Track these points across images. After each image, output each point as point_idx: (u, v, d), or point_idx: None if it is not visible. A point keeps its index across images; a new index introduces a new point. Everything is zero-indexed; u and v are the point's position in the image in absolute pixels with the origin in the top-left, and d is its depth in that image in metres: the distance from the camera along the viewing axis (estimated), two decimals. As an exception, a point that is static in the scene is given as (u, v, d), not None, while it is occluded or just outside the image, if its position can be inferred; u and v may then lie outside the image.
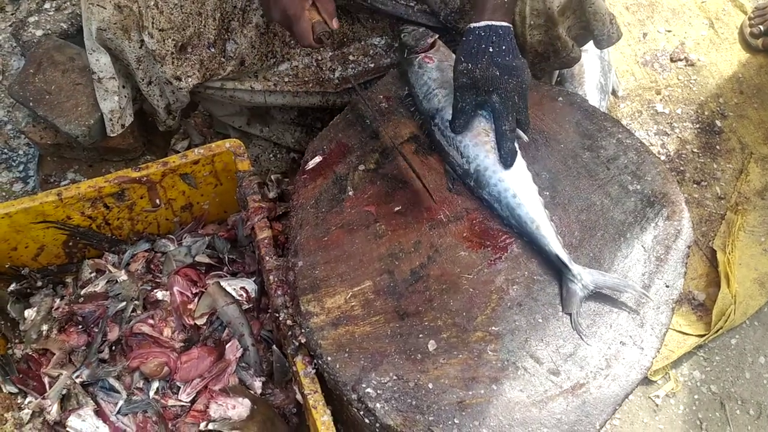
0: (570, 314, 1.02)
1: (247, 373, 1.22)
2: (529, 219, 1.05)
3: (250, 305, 1.27)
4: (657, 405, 1.40)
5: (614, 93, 1.77)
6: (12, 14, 1.89)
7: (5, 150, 1.69)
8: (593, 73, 1.69)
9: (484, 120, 1.10)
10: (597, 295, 1.04)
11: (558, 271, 1.04)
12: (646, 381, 1.43)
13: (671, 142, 1.72)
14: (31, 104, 1.34)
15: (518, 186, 1.06)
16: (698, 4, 1.95)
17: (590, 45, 1.70)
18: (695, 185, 1.66)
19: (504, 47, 1.07)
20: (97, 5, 1.14)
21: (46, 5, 1.82)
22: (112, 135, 1.31)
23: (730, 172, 1.68)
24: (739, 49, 1.88)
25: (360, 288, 1.05)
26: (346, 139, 1.20)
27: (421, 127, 1.17)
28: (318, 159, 1.18)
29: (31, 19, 1.80)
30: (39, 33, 1.74)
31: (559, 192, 1.13)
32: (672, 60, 1.85)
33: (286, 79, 1.34)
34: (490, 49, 1.06)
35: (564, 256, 1.03)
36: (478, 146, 1.08)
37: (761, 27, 1.85)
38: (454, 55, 1.14)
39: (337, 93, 1.35)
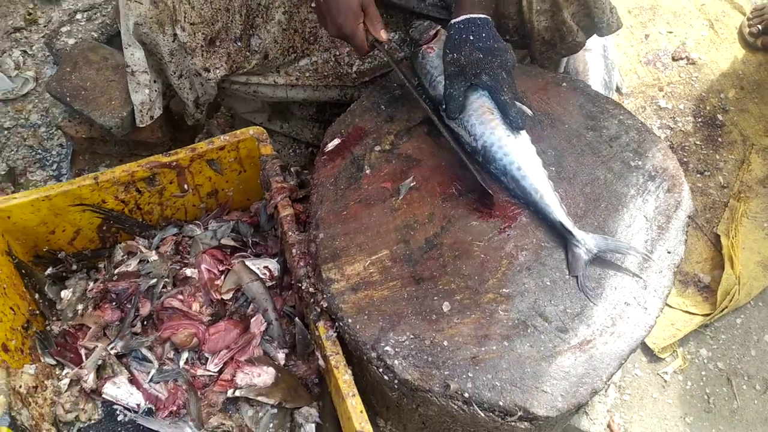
0: (576, 276, 1.08)
1: (270, 345, 1.28)
2: (534, 189, 1.11)
3: (273, 283, 1.34)
4: (665, 381, 1.45)
5: (618, 90, 1.85)
6: (44, 26, 2.00)
7: (39, 150, 1.78)
8: (597, 71, 1.77)
9: (486, 99, 1.18)
10: (602, 261, 1.10)
11: (563, 237, 1.11)
12: (654, 358, 1.48)
13: (675, 135, 1.78)
14: (68, 99, 1.43)
15: (522, 159, 1.13)
16: (698, 7, 2.03)
17: (594, 45, 1.79)
18: (699, 175, 1.72)
19: (484, 34, 1.16)
20: (135, 1, 1.23)
21: (78, 16, 1.93)
22: (141, 125, 1.40)
23: (733, 163, 1.74)
24: (739, 48, 1.95)
25: (378, 256, 1.12)
26: (363, 123, 1.28)
27: (434, 112, 1.24)
28: (336, 141, 1.26)
29: (64, 29, 1.92)
30: (71, 41, 1.85)
31: (564, 167, 1.20)
32: (674, 59, 1.92)
33: (307, 74, 1.43)
34: (471, 38, 1.16)
35: (567, 222, 1.09)
36: (484, 124, 1.15)
37: (759, 26, 1.92)
38: None
39: (355, 86, 1.44)
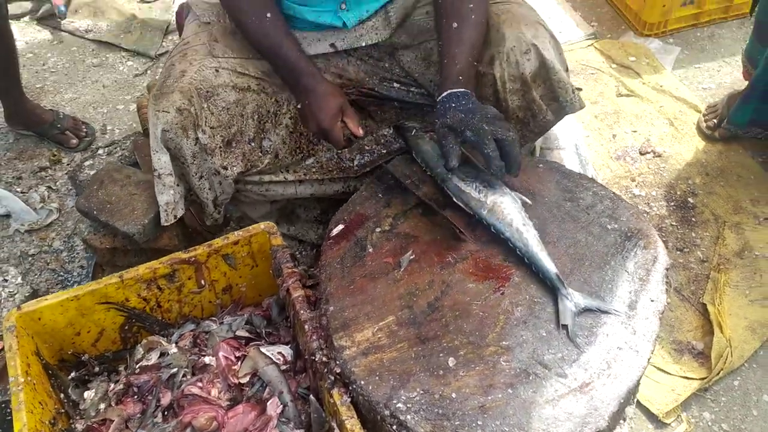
0: (566, 326, 1.17)
1: (287, 426, 1.33)
2: (534, 243, 1.23)
3: (287, 367, 1.41)
4: (674, 445, 1.48)
5: (602, 186, 2.01)
6: (68, 164, 2.20)
7: (62, 273, 1.91)
8: (572, 166, 1.94)
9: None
10: (593, 311, 1.20)
11: (554, 292, 1.21)
12: (660, 424, 1.52)
13: (651, 219, 1.92)
14: (94, 213, 1.57)
15: (523, 219, 1.26)
16: (657, 108, 2.25)
17: (567, 143, 1.99)
18: (679, 252, 1.84)
19: (463, 101, 1.32)
20: (163, 111, 1.41)
21: (100, 151, 2.13)
22: (165, 224, 1.52)
23: (708, 239, 1.87)
24: (699, 140, 2.15)
25: (385, 322, 1.21)
26: (363, 210, 1.42)
27: (438, 185, 1.38)
28: (341, 227, 1.39)
29: (87, 163, 2.11)
30: (93, 173, 2.03)
31: (548, 233, 1.32)
32: (641, 153, 2.11)
33: (313, 170, 1.60)
34: (454, 105, 1.32)
35: (557, 277, 1.20)
36: (492, 186, 1.30)
37: (715, 120, 2.13)
38: None
39: (357, 178, 1.60)
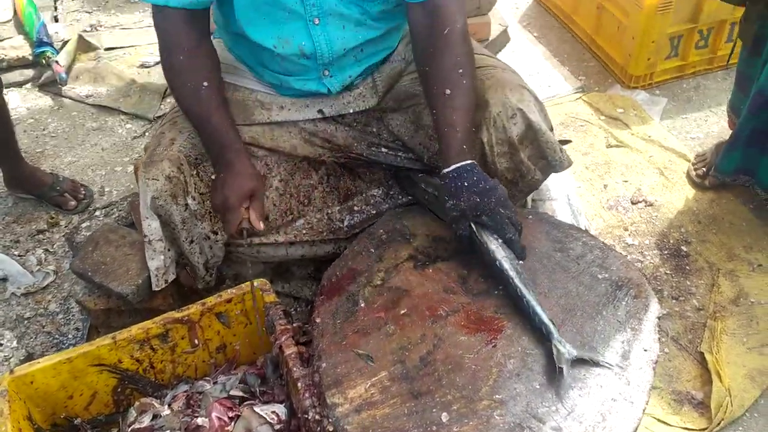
0: (561, 368, 1.16)
1: (281, 487, 1.31)
2: (531, 296, 1.24)
3: (281, 426, 1.39)
4: (679, 499, 1.45)
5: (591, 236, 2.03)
6: (65, 227, 2.22)
7: (57, 335, 1.90)
8: (564, 217, 1.96)
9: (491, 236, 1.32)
10: (585, 362, 1.19)
11: (546, 343, 1.21)
12: (665, 478, 1.49)
13: (645, 268, 1.93)
14: (89, 274, 1.58)
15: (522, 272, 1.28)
16: (646, 158, 2.29)
17: (559, 194, 2.01)
18: (674, 300, 1.84)
19: (475, 178, 1.34)
20: (152, 179, 1.43)
21: (97, 213, 2.16)
22: (156, 289, 1.53)
23: (704, 287, 1.87)
24: (689, 189, 2.17)
25: (377, 378, 1.21)
26: (355, 265, 1.42)
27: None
28: (333, 281, 1.40)
29: (84, 225, 2.13)
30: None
31: (539, 284, 1.33)
32: (633, 203, 2.13)
33: (303, 231, 1.61)
34: (466, 184, 1.33)
35: (551, 326, 1.20)
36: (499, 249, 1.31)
37: (704, 169, 2.16)
38: None
39: (347, 239, 1.60)
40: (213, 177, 1.45)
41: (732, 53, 2.01)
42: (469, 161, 1.35)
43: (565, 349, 1.18)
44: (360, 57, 1.56)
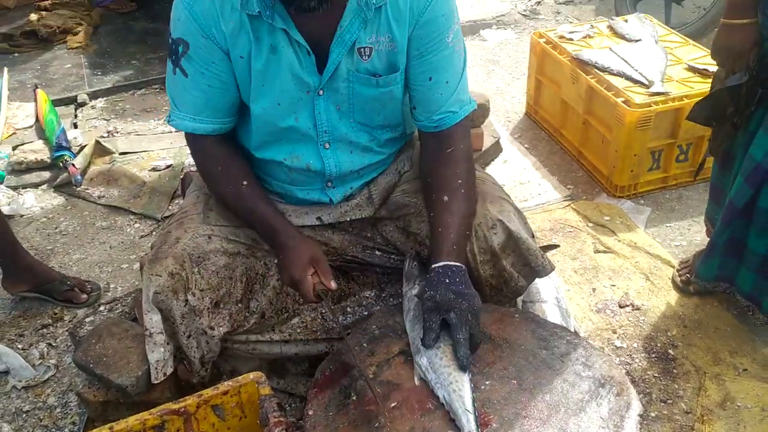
0: None
1: None
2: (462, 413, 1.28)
3: None
4: None
5: (575, 335, 2.08)
6: (69, 321, 2.28)
7: (53, 429, 1.92)
8: (554, 319, 2.02)
9: (446, 337, 1.39)
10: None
11: None
12: None
13: (634, 371, 1.97)
14: (91, 366, 1.63)
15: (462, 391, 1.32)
16: (633, 264, 2.38)
17: (548, 296, 2.08)
18: (663, 404, 1.87)
19: (457, 279, 1.43)
20: (156, 275, 1.52)
21: (101, 308, 2.22)
22: (155, 381, 1.58)
23: (691, 390, 1.90)
24: (675, 294, 2.24)
25: (367, 470, 1.24)
26: (348, 359, 1.48)
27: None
28: (326, 375, 1.45)
29: (88, 319, 2.19)
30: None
31: (524, 381, 1.38)
32: (620, 306, 2.20)
33: (298, 330, 1.67)
34: (447, 281, 1.42)
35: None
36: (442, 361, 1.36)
37: (688, 275, 2.24)
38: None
39: (340, 338, 1.67)
40: (275, 261, 1.58)
41: (701, 168, 2.15)
42: (457, 263, 1.45)
43: None
44: (363, 173, 1.71)
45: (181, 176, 2.97)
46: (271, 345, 1.67)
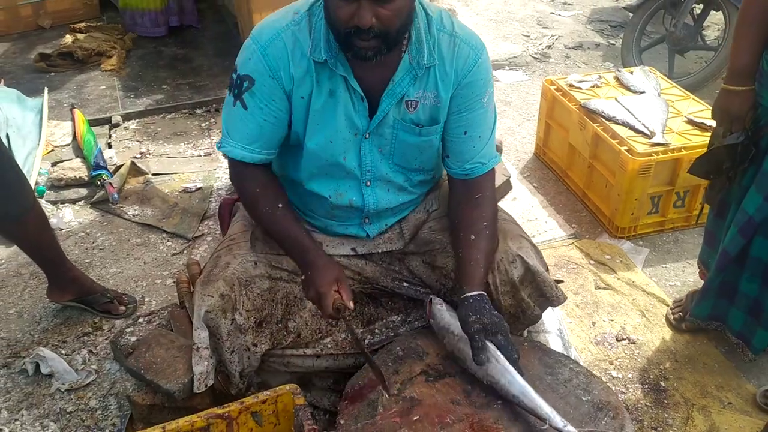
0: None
1: None
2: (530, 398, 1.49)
3: None
4: None
5: (577, 363, 2.27)
6: (108, 331, 2.47)
7: (95, 430, 2.10)
8: (556, 348, 2.21)
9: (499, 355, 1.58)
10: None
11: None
12: None
13: (628, 399, 2.15)
14: (142, 372, 1.82)
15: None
16: (630, 301, 2.57)
17: (552, 327, 2.27)
18: (653, 431, 2.05)
19: (488, 307, 1.63)
20: (208, 295, 1.71)
21: (140, 320, 2.41)
22: (197, 392, 1.76)
23: (680, 420, 2.08)
24: (668, 331, 2.43)
25: (392, 473, 1.42)
26: (375, 378, 1.67)
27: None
28: (356, 389, 1.63)
29: (128, 330, 2.37)
30: (133, 339, 2.29)
31: (531, 402, 1.57)
32: (617, 339, 2.39)
33: (330, 346, 1.86)
34: (487, 306, 1.62)
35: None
36: (500, 372, 1.55)
37: (681, 314, 2.43)
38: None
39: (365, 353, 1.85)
40: (302, 278, 1.71)
41: (700, 215, 2.35)
42: (484, 293, 1.65)
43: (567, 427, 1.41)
44: (397, 211, 1.91)
45: (212, 199, 3.17)
46: (305, 359, 1.85)
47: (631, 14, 4.67)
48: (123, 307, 2.50)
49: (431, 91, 1.68)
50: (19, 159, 3.17)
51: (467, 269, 1.69)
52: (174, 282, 2.57)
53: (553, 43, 5.09)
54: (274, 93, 1.66)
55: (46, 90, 4.03)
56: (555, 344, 2.23)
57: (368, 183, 1.79)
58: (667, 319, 2.48)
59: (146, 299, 2.62)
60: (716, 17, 4.66)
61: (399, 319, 1.92)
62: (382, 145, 1.74)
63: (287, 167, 1.85)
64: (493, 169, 1.82)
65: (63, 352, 2.36)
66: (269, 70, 1.63)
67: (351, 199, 1.80)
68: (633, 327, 2.45)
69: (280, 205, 1.76)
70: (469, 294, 1.64)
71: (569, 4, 5.97)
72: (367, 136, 1.72)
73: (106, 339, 2.42)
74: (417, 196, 1.88)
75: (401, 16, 1.51)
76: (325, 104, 1.66)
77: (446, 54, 1.66)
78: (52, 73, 4.45)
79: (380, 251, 1.93)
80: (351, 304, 1.66)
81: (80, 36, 4.83)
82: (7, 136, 3.25)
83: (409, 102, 1.68)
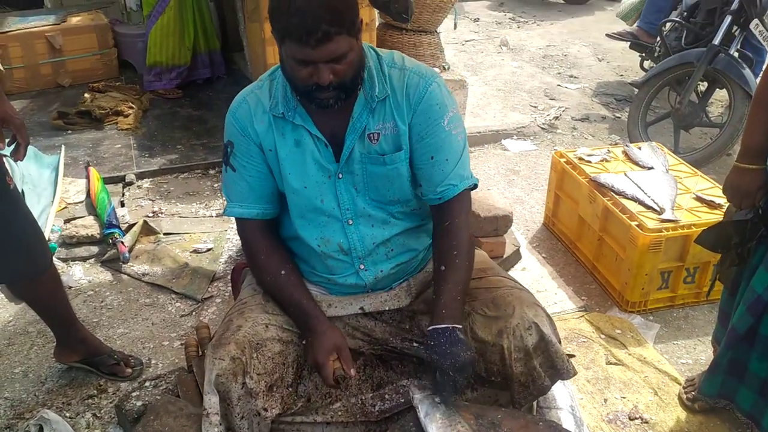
0: None
1: None
2: None
3: None
4: None
5: (589, 443, 2.22)
6: (113, 394, 2.44)
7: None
8: (568, 426, 2.17)
9: None
10: None
11: None
12: None
13: (642, 482, 2.11)
14: (149, 441, 1.80)
15: None
16: (642, 378, 2.54)
17: (563, 404, 2.24)
18: None
19: (443, 339, 1.66)
20: (219, 359, 1.70)
21: (147, 384, 2.39)
22: (207, 462, 1.73)
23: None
24: (681, 410, 2.40)
25: None
26: (389, 453, 1.65)
27: None
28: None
29: (134, 394, 2.35)
30: (139, 404, 2.27)
31: (547, 485, 1.54)
32: (630, 418, 2.35)
33: (339, 413, 1.83)
34: (443, 340, 1.65)
35: None
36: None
37: (694, 393, 2.41)
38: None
39: (377, 422, 1.82)
40: (303, 342, 1.78)
41: (710, 291, 2.34)
42: (443, 325, 1.68)
43: None
44: (390, 255, 1.92)
45: (222, 260, 3.19)
46: (315, 426, 1.83)
47: (636, 90, 4.78)
48: (129, 370, 2.48)
49: (389, 121, 1.78)
50: (34, 215, 3.19)
51: (435, 302, 1.75)
52: (182, 344, 2.56)
53: (560, 115, 5.20)
54: (250, 149, 1.80)
55: (63, 147, 4.10)
56: (567, 422, 2.19)
57: (350, 221, 1.85)
58: (680, 398, 2.45)
59: (153, 361, 2.60)
60: (720, 94, 4.77)
61: (409, 383, 1.89)
62: (356, 183, 1.82)
63: (286, 224, 1.93)
64: (467, 194, 1.86)
65: (67, 414, 2.33)
66: (240, 130, 1.80)
67: (338, 242, 1.85)
68: (646, 405, 2.42)
69: (283, 272, 1.84)
70: (431, 327, 1.69)
71: (575, 77, 6.12)
72: (340, 175, 1.81)
73: (110, 402, 2.39)
74: (403, 229, 1.91)
75: (354, 66, 1.64)
76: (291, 153, 1.78)
77: (397, 85, 1.78)
78: (69, 131, 4.54)
79: (388, 309, 1.94)
80: (352, 372, 1.70)
81: (98, 95, 4.95)
82: (23, 192, 3.28)
83: (371, 135, 1.78)
